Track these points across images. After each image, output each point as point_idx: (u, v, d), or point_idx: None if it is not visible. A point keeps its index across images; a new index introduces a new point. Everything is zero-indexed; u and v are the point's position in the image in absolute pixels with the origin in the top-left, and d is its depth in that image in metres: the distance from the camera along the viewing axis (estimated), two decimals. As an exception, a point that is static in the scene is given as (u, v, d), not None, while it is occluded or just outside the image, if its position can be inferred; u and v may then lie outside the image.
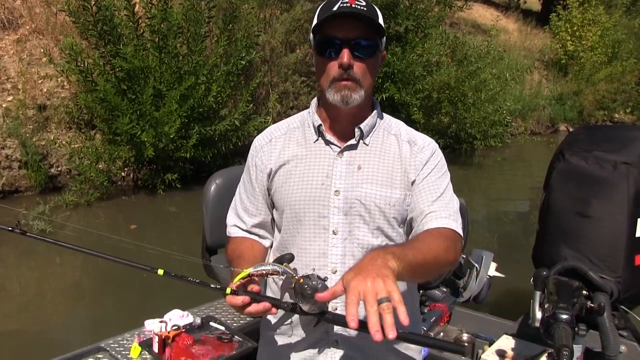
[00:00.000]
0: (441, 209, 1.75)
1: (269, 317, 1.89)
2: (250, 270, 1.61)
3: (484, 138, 13.54)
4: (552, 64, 20.80)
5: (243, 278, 1.60)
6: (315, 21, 1.74)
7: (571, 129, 18.32)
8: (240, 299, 1.56)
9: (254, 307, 1.58)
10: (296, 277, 1.60)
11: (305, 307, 1.59)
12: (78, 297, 5.63)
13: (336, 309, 1.72)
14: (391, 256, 1.41)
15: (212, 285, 1.69)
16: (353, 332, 1.76)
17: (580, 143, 2.60)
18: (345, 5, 1.68)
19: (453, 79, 12.19)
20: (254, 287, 1.60)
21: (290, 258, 1.68)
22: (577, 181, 2.49)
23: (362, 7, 1.69)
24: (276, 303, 1.62)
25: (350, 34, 1.69)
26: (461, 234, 1.75)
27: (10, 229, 1.89)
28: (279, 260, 1.67)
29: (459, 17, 17.51)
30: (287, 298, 1.77)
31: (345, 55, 1.68)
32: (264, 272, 1.63)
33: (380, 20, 1.74)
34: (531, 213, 8.95)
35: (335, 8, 1.69)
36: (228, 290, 1.58)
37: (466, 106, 12.75)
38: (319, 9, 1.77)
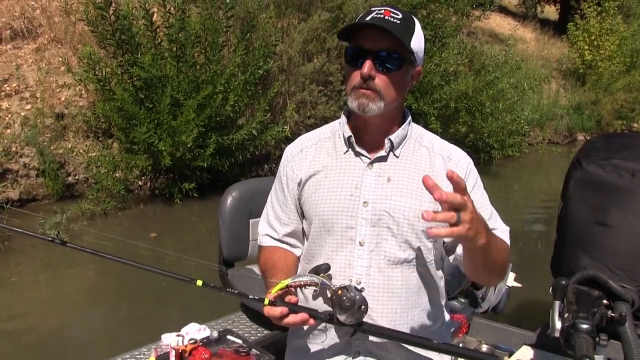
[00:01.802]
0: (497, 227, 1.82)
1: None
2: (288, 281, 1.62)
3: (502, 147, 13.48)
4: (569, 74, 20.71)
5: (281, 289, 1.60)
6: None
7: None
8: (278, 310, 1.57)
9: (292, 318, 1.59)
10: (334, 289, 1.60)
11: (342, 318, 1.59)
12: (95, 307, 5.57)
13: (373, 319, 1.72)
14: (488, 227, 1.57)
15: (250, 296, 1.69)
16: (376, 344, 1.77)
17: (598, 151, 2.56)
18: (378, 16, 1.68)
19: (471, 89, 12.17)
20: (291, 298, 1.61)
21: (326, 268, 1.69)
22: (594, 189, 2.45)
23: (394, 20, 1.67)
24: (313, 314, 1.62)
25: (377, 46, 1.68)
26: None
27: (50, 239, 1.90)
28: (315, 271, 1.68)
29: (476, 26, 17.45)
30: (314, 305, 1.76)
31: (367, 66, 1.67)
32: (302, 283, 1.63)
33: (414, 37, 1.72)
34: (549, 223, 8.86)
35: (368, 18, 1.68)
36: (266, 302, 1.59)
37: (484, 116, 12.71)
38: (359, 17, 1.76)
